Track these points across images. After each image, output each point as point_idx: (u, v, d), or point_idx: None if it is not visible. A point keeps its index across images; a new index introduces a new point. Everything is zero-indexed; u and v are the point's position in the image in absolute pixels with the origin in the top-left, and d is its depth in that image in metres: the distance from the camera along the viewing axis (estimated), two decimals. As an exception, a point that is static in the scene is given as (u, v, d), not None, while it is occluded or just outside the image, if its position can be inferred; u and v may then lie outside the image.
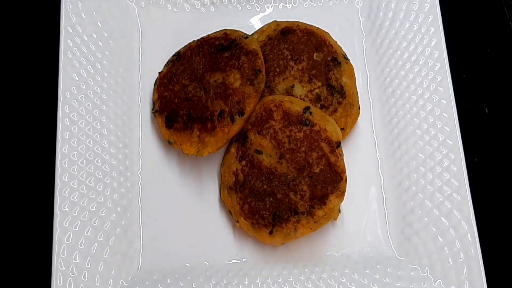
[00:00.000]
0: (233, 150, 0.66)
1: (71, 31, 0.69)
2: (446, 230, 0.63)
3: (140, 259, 0.65)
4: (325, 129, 0.63)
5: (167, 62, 0.71)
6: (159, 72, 0.71)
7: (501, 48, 0.76)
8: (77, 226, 0.62)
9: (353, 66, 0.70)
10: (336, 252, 0.66)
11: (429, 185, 0.66)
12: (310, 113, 0.64)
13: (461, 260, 0.62)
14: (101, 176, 0.65)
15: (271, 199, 0.62)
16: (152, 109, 0.69)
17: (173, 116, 0.67)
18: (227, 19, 0.75)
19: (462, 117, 0.68)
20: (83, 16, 0.70)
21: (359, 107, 0.69)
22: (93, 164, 0.65)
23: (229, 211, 0.65)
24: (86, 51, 0.69)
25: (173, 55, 0.71)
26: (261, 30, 0.71)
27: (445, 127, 0.67)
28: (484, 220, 0.65)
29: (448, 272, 0.62)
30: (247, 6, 0.76)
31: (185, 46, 0.71)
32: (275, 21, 0.72)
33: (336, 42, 0.70)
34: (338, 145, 0.63)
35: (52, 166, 0.64)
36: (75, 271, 0.61)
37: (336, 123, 0.65)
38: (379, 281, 0.62)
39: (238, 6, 0.76)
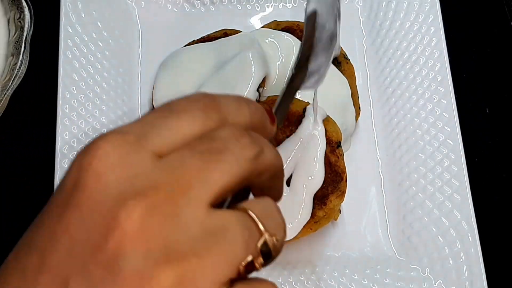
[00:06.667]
0: (233, 150, 0.66)
1: (70, 30, 0.69)
2: (447, 230, 0.63)
3: (140, 259, 0.65)
4: (325, 129, 0.63)
5: (167, 62, 0.71)
6: (159, 72, 0.71)
7: (501, 48, 0.76)
8: (77, 227, 0.62)
9: (353, 66, 0.70)
10: (336, 252, 0.66)
11: (429, 185, 0.66)
12: (310, 113, 0.64)
13: (461, 260, 0.62)
14: (101, 176, 0.65)
15: (271, 199, 0.62)
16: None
17: (173, 116, 0.66)
18: (227, 18, 0.75)
19: (463, 117, 0.67)
20: (83, 16, 0.70)
21: (359, 107, 0.69)
22: (93, 164, 0.65)
23: (229, 211, 0.65)
24: (85, 51, 0.69)
25: (173, 55, 0.71)
26: (261, 30, 0.71)
27: (445, 127, 0.67)
28: (484, 220, 0.65)
29: (448, 272, 0.62)
30: (247, 5, 0.76)
31: (185, 45, 0.71)
32: (275, 20, 0.71)
33: (336, 42, 0.70)
34: (338, 145, 0.63)
35: (52, 167, 0.64)
36: (74, 272, 0.60)
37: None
38: (379, 281, 0.62)
39: (238, 5, 0.76)
